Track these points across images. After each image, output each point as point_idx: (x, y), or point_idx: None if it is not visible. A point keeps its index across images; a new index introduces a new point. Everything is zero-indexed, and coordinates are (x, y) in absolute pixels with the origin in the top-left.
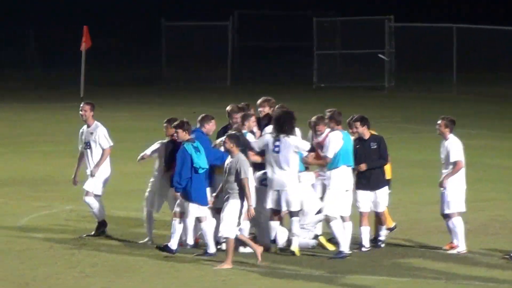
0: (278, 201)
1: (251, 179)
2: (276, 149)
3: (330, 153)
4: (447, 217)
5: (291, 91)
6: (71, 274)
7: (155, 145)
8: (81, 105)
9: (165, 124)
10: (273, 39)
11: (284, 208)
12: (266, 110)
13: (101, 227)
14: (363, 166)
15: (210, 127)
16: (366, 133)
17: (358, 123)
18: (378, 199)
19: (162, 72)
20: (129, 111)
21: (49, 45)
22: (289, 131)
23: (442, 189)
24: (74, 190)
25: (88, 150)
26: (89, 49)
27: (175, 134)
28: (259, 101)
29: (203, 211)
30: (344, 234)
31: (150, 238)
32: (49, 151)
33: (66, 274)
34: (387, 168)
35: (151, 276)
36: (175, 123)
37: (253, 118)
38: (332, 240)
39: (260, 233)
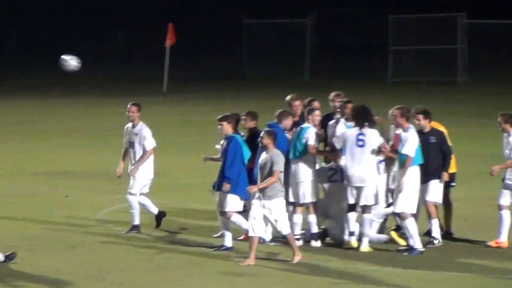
0: (358, 196)
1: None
2: (360, 143)
3: (411, 151)
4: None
5: (366, 86)
6: (146, 267)
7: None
8: (128, 106)
9: (243, 117)
10: (349, 36)
11: (362, 203)
12: (337, 104)
13: (134, 229)
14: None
15: (287, 123)
16: (427, 126)
17: (421, 116)
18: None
19: (243, 68)
20: (211, 106)
21: (134, 41)
22: (371, 124)
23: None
24: (160, 183)
25: (131, 150)
26: (173, 46)
27: (220, 127)
28: (331, 95)
29: (241, 205)
30: (417, 231)
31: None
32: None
33: (141, 267)
34: (452, 162)
35: (222, 271)
36: (220, 116)
37: (317, 112)
38: (401, 235)
39: (331, 226)
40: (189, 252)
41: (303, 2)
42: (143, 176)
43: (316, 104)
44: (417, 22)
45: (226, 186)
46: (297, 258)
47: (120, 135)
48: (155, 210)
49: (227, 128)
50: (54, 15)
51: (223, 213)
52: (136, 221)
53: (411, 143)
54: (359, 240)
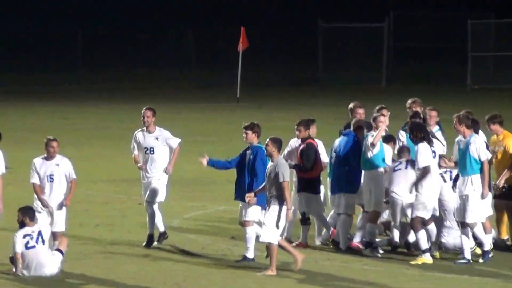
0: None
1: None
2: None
3: (486, 156)
4: None
5: (444, 93)
6: (222, 275)
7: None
8: (143, 110)
9: (296, 127)
10: (427, 40)
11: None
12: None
13: (162, 236)
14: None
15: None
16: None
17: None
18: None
19: (318, 72)
20: (285, 111)
21: (206, 44)
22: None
23: None
24: (228, 190)
25: (149, 155)
26: (246, 50)
27: (245, 136)
28: (408, 102)
29: (260, 215)
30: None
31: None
32: (206, 151)
33: (217, 274)
34: None
35: (301, 278)
36: (246, 124)
37: (381, 118)
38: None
39: (394, 234)
40: (266, 259)
41: (380, 5)
42: (166, 179)
43: (384, 112)
44: (496, 27)
45: (253, 199)
46: (268, 272)
47: (198, 141)
48: (162, 227)
49: (252, 137)
50: (119, 16)
51: (243, 223)
52: (162, 228)
53: (483, 149)
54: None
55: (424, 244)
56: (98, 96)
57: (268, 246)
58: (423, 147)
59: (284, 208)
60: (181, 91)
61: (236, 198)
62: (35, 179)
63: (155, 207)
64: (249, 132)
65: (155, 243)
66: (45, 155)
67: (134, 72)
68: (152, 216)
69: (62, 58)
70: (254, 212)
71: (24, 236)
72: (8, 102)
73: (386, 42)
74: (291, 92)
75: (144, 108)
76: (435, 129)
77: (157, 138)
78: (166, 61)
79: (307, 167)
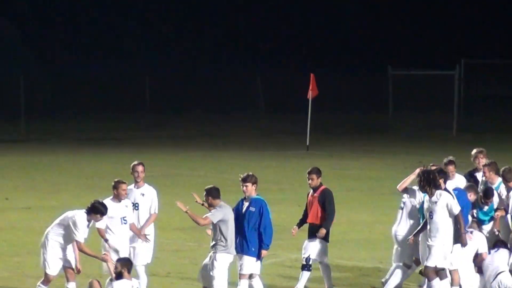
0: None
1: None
2: None
3: None
4: None
5: None
6: None
7: None
8: (134, 165)
9: (308, 176)
10: (499, 88)
11: None
12: (482, 161)
13: None
14: None
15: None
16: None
17: None
18: None
19: (388, 120)
20: (356, 159)
21: (276, 91)
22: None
23: None
24: (300, 239)
25: (136, 211)
26: (315, 97)
27: (244, 188)
28: (473, 152)
29: (258, 268)
30: None
31: None
32: (277, 198)
33: None
34: None
35: None
36: (244, 176)
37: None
38: None
39: None
40: None
41: (451, 53)
42: (150, 244)
43: (451, 168)
44: None
45: (265, 253)
46: None
47: (269, 189)
48: None
49: (251, 189)
50: (187, 61)
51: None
52: None
53: None
54: None
55: None
56: (168, 143)
57: None
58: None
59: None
60: (251, 138)
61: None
62: (100, 224)
63: (143, 270)
64: (249, 184)
65: None
66: (133, 184)
67: (204, 119)
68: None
69: (132, 102)
70: (252, 265)
71: None
72: (77, 148)
73: (457, 89)
74: (361, 139)
75: (135, 162)
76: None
77: (142, 194)
78: (236, 107)
79: (332, 213)
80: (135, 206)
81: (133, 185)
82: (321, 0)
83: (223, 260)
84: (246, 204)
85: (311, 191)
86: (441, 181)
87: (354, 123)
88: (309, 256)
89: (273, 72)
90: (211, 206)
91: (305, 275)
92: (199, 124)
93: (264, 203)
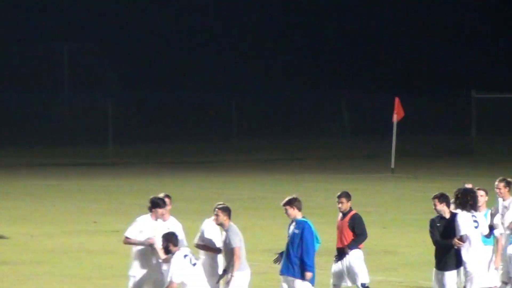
0: None
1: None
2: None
3: None
4: None
5: None
6: None
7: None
8: (162, 197)
9: (338, 200)
10: None
11: None
12: None
13: None
14: None
15: None
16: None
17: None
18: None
19: (472, 143)
20: (440, 182)
21: (360, 114)
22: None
23: None
24: (388, 260)
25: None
26: (400, 120)
27: (285, 212)
28: None
29: None
30: None
31: None
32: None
33: None
34: None
35: None
36: (284, 201)
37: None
38: None
39: None
40: None
41: None
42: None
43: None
44: None
45: (308, 275)
46: None
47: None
48: None
49: (292, 212)
50: (271, 85)
51: None
52: None
53: None
54: None
55: None
56: (255, 166)
57: None
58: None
59: (239, 273)
60: (336, 161)
61: (281, 273)
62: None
63: None
64: (287, 207)
65: None
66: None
67: (289, 142)
68: None
69: (216, 127)
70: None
71: (185, 256)
72: (163, 172)
73: None
74: (446, 162)
75: (162, 194)
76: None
77: (168, 228)
78: (321, 130)
79: (363, 235)
80: None
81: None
82: (404, 24)
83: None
84: (292, 226)
85: (341, 215)
86: None
87: (438, 146)
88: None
89: (357, 94)
90: (221, 225)
91: None
92: (284, 147)
93: (307, 224)
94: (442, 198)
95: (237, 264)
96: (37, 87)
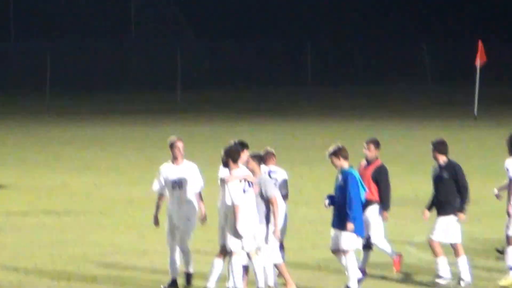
0: None
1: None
2: None
3: None
4: None
5: None
6: None
7: None
8: (174, 141)
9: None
10: None
11: None
12: None
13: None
14: None
15: None
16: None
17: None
18: None
19: None
20: None
21: (443, 59)
22: None
23: None
24: (470, 211)
25: (177, 191)
26: (484, 65)
27: (333, 162)
28: None
29: (359, 243)
30: None
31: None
32: None
33: None
34: None
35: None
36: (329, 151)
37: None
38: None
39: None
40: None
41: None
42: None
43: None
44: None
45: (351, 226)
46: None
47: (430, 161)
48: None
49: (338, 162)
50: (347, 29)
51: (336, 252)
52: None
53: None
54: None
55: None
56: (327, 113)
57: (277, 266)
58: None
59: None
60: (417, 108)
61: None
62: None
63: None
64: (332, 157)
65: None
66: (169, 161)
67: (365, 89)
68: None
69: (292, 72)
70: (351, 240)
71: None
72: (239, 119)
73: None
74: None
75: (174, 138)
76: None
77: (183, 172)
78: (402, 77)
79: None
80: (177, 184)
81: (170, 162)
82: None
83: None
84: (339, 178)
85: (365, 163)
86: None
87: None
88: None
89: (441, 40)
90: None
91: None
92: (363, 94)
93: (351, 175)
94: None
95: (276, 212)
96: (104, 32)
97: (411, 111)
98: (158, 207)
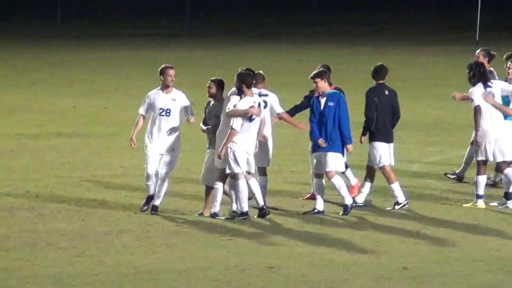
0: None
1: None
2: None
3: None
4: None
5: None
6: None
7: None
8: (166, 69)
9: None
10: None
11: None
12: None
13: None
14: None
15: None
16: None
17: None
18: None
19: None
20: None
21: None
22: None
23: None
24: (468, 136)
25: (164, 117)
26: None
27: (315, 85)
28: None
29: (343, 165)
30: None
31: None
32: (443, 94)
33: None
34: None
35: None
36: (312, 73)
37: None
38: None
39: None
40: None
41: None
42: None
43: None
44: None
45: (350, 147)
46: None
47: (437, 85)
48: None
49: (323, 85)
50: None
51: (319, 175)
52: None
53: None
54: None
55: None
56: (332, 38)
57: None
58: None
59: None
60: (420, 33)
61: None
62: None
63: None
64: (318, 79)
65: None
66: (158, 89)
67: (371, 16)
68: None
69: None
70: (337, 162)
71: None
72: (243, 44)
73: None
74: None
75: (166, 67)
76: None
77: (174, 100)
78: (404, 3)
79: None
80: (166, 112)
81: (159, 89)
82: None
83: None
84: (323, 100)
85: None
86: None
87: None
88: None
89: None
90: (213, 97)
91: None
92: (367, 21)
93: (343, 96)
94: None
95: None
96: None
97: (413, 36)
98: (137, 126)
